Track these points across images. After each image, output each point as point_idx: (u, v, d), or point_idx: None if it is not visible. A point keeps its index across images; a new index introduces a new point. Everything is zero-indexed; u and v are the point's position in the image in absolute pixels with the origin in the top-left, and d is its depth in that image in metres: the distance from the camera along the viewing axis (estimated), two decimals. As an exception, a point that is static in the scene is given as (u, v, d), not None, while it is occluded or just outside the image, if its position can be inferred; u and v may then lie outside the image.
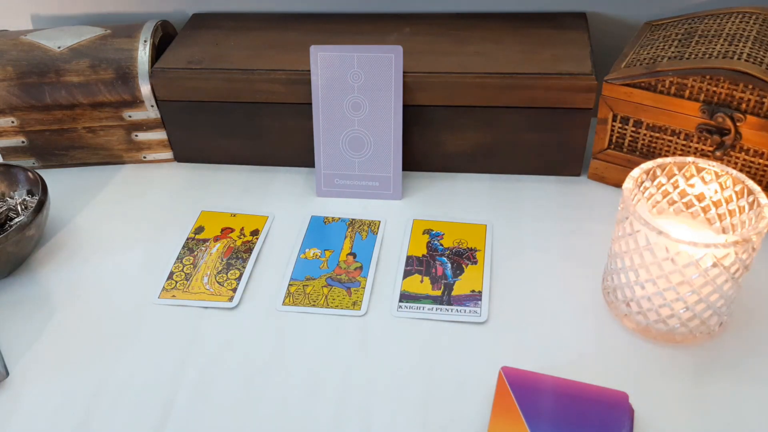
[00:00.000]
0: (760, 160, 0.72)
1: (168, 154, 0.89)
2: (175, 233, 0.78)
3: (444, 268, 0.72)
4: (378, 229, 0.78)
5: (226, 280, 0.72)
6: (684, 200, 0.66)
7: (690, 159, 0.63)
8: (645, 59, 0.75)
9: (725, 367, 0.61)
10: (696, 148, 0.74)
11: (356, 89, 0.78)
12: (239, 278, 0.72)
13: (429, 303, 0.69)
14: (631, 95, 0.74)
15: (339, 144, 0.80)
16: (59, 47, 0.84)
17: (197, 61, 0.83)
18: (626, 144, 0.79)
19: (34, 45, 0.84)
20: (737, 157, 0.73)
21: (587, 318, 0.66)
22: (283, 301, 0.70)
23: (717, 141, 0.72)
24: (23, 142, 0.86)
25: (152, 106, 0.84)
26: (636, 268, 0.61)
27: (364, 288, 0.71)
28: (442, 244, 0.75)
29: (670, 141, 0.76)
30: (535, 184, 0.83)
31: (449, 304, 0.68)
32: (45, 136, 0.86)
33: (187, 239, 0.77)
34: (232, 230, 0.78)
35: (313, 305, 0.69)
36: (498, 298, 0.69)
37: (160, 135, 0.87)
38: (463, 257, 0.73)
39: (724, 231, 0.64)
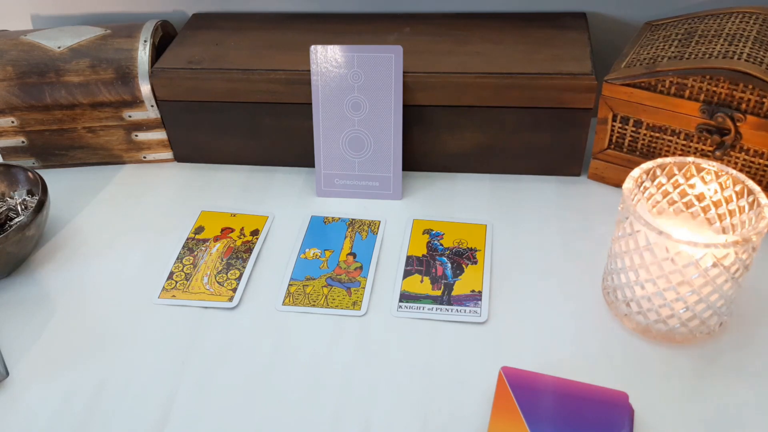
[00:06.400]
0: (760, 160, 0.72)
1: (168, 154, 0.89)
2: (175, 233, 0.78)
3: (444, 268, 0.72)
4: (378, 229, 0.78)
5: (226, 280, 0.72)
6: (684, 200, 0.66)
7: (690, 159, 0.63)
8: (645, 59, 0.75)
9: (725, 367, 0.61)
10: (696, 148, 0.74)
11: (356, 89, 0.78)
12: (239, 278, 0.72)
13: (429, 303, 0.68)
14: (631, 95, 0.74)
15: (339, 144, 0.80)
16: (59, 47, 0.84)
17: (197, 61, 0.83)
18: (626, 144, 0.79)
19: (34, 45, 0.84)
20: (737, 157, 0.73)
21: (587, 318, 0.66)
22: (283, 301, 0.70)
23: (717, 141, 0.72)
24: (23, 142, 0.86)
25: (152, 106, 0.84)
26: (636, 268, 0.61)
27: (364, 288, 0.71)
28: (442, 244, 0.75)
29: (670, 141, 0.76)
30: (535, 184, 0.83)
31: (449, 304, 0.68)
32: (45, 136, 0.86)
33: (187, 239, 0.77)
34: (232, 230, 0.78)
35: (313, 305, 0.69)
36: (498, 298, 0.69)
37: (160, 135, 0.87)
38: (463, 257, 0.73)
39: (724, 231, 0.64)
